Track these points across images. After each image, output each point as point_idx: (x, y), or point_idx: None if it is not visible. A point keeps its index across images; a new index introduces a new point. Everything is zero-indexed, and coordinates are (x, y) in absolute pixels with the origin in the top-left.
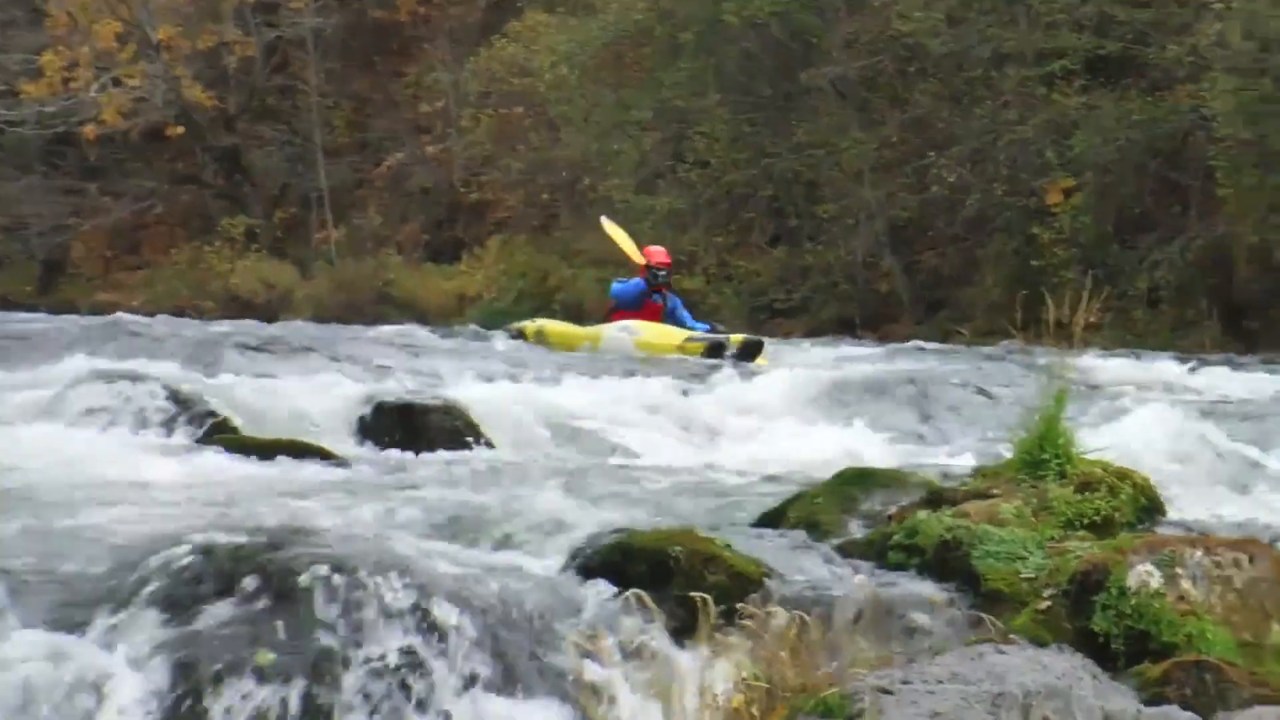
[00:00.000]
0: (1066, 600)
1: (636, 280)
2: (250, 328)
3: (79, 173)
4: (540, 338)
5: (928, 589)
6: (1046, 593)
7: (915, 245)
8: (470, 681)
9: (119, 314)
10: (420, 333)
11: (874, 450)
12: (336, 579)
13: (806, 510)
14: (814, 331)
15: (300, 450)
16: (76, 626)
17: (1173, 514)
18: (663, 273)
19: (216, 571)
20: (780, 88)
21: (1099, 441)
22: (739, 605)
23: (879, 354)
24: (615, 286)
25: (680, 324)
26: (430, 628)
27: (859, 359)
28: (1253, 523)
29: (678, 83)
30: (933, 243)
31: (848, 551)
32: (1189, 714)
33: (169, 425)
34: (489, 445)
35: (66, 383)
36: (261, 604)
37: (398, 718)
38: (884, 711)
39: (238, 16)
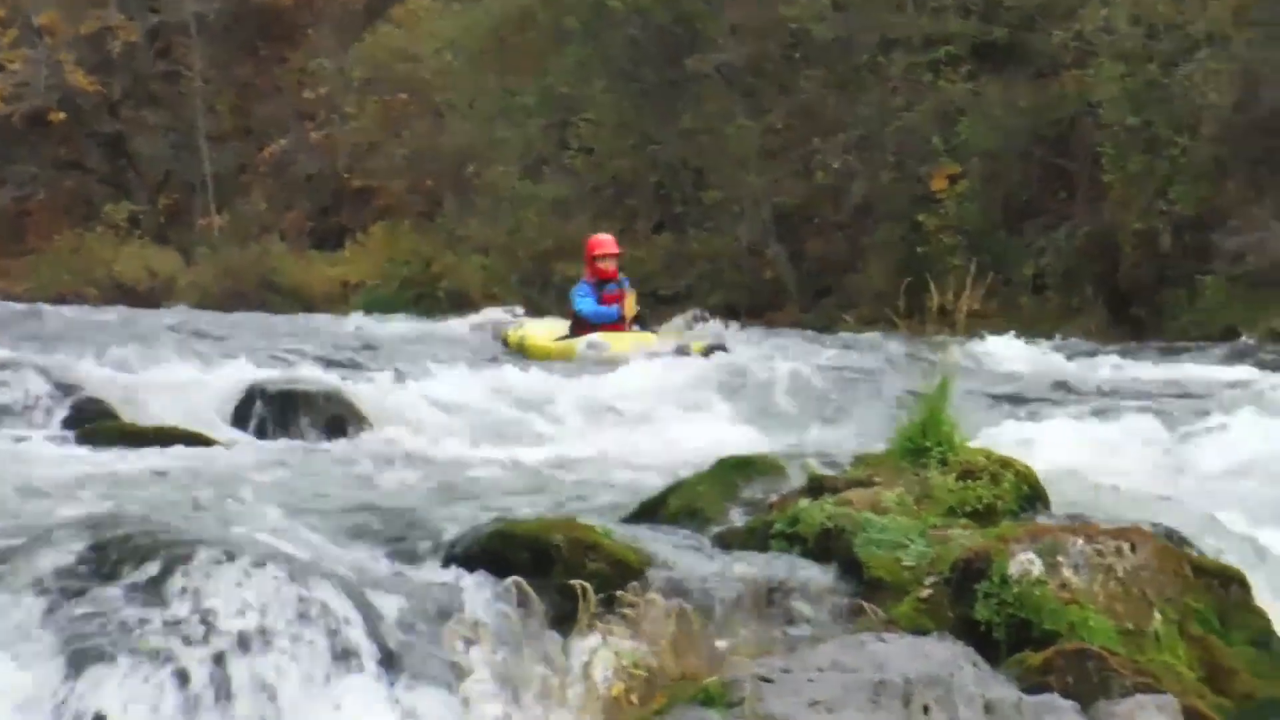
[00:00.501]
0: (948, 588)
1: (583, 285)
2: (133, 315)
3: None
4: (520, 347)
5: (809, 577)
6: (928, 581)
7: (801, 232)
8: (349, 669)
9: (1, 301)
10: (303, 320)
11: (755, 438)
12: (212, 566)
13: (688, 498)
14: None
15: (180, 438)
16: None
17: (1055, 502)
18: (610, 263)
19: (94, 558)
20: (666, 74)
21: (982, 429)
22: (619, 593)
23: (764, 341)
24: (577, 302)
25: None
26: (307, 615)
27: (743, 346)
28: (1135, 511)
29: (563, 69)
30: (819, 230)
31: (729, 540)
32: (1070, 702)
33: (49, 413)
34: (371, 432)
35: None
36: (138, 590)
37: (276, 705)
38: (764, 699)
39: (121, 1)
